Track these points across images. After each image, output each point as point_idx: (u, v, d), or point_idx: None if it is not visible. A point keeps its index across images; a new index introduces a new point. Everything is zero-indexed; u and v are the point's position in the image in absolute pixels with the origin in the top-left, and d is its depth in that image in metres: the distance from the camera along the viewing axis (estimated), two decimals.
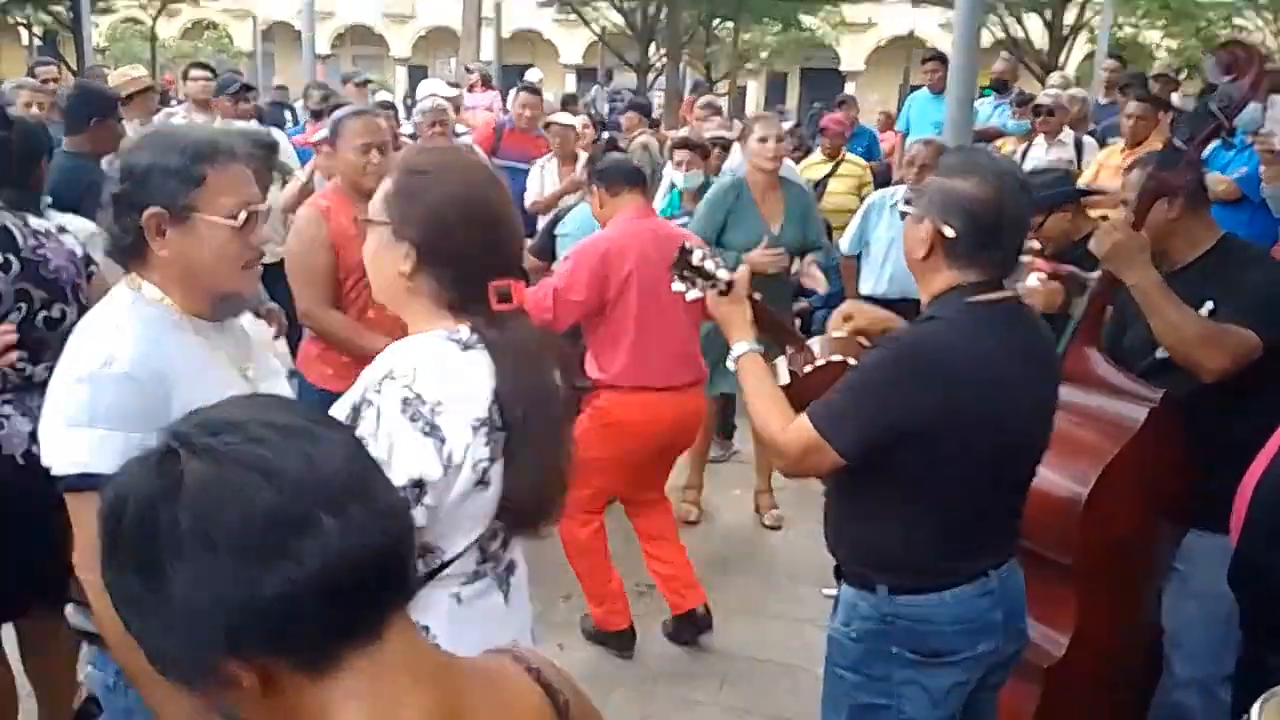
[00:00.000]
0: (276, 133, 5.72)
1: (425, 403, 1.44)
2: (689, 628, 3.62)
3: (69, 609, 1.75)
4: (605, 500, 3.63)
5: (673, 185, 5.12)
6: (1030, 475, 2.08)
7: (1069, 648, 2.43)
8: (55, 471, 1.60)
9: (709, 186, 4.91)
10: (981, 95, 8.24)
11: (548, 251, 4.62)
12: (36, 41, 24.26)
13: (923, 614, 1.96)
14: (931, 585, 1.95)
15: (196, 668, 0.79)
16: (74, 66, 16.17)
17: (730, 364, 2.13)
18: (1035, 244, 3.67)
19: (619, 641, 3.60)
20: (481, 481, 1.50)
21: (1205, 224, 2.61)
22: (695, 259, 2.14)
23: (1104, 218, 3.20)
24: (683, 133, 6.43)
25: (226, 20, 31.54)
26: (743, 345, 2.10)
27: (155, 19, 25.55)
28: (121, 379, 1.59)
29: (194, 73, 6.15)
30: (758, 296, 2.17)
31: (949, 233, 1.90)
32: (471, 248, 1.54)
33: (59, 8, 21.75)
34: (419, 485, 1.43)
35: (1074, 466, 2.41)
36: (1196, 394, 2.43)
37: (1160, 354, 2.52)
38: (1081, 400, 2.51)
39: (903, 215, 2.04)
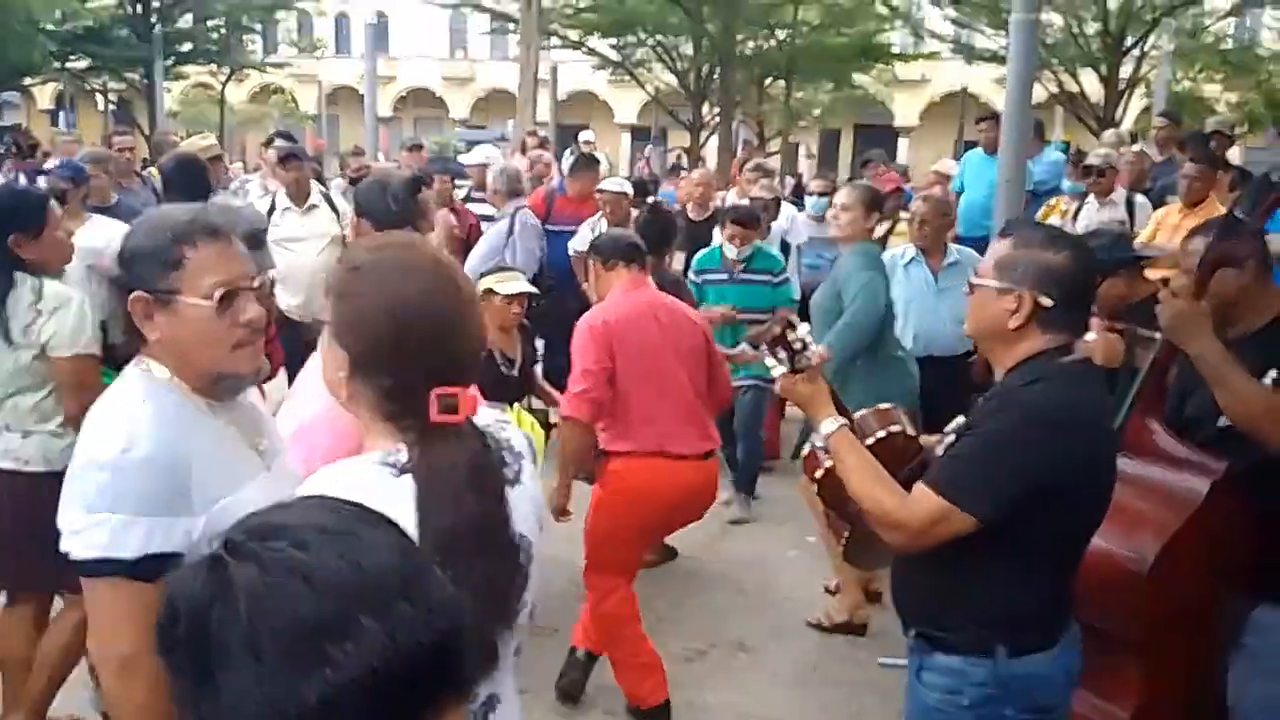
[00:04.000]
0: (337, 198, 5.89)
1: None
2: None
3: (88, 695, 1.75)
4: (624, 571, 3.47)
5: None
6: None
7: None
8: (74, 556, 1.58)
9: (757, 254, 5.19)
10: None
11: None
12: (111, 106, 25.38)
13: (1040, 671, 2.00)
14: (1049, 641, 2.02)
15: None
16: (146, 130, 16.90)
17: (819, 443, 2.16)
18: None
19: (656, 718, 3.41)
20: None
21: (1272, 291, 2.60)
22: (795, 335, 2.11)
23: (1165, 281, 3.16)
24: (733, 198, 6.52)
25: (293, 85, 32.73)
26: (831, 423, 2.09)
27: (225, 84, 26.62)
28: (143, 464, 1.57)
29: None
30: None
31: (1047, 303, 1.97)
32: (407, 357, 1.36)
33: (133, 75, 22.84)
34: None
35: (1135, 540, 2.36)
36: (1262, 464, 2.39)
37: (1223, 422, 2.48)
38: (1142, 472, 2.47)
39: (972, 288, 2.08)
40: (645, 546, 3.66)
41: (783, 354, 2.12)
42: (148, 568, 1.54)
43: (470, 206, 6.88)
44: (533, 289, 4.08)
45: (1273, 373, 2.45)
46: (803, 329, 2.15)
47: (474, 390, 1.38)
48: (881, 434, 2.35)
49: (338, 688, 0.74)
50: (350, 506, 0.86)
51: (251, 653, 0.75)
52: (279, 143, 6.30)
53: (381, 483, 1.32)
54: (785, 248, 5.93)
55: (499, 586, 1.39)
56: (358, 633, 0.75)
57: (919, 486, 1.96)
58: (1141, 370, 2.66)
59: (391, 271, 1.39)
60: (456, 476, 1.33)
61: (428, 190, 3.52)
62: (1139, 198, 6.31)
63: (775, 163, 15.62)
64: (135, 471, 1.56)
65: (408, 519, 1.28)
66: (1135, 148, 7.38)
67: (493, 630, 1.40)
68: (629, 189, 6.17)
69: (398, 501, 1.28)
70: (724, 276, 5.12)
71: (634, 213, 5.77)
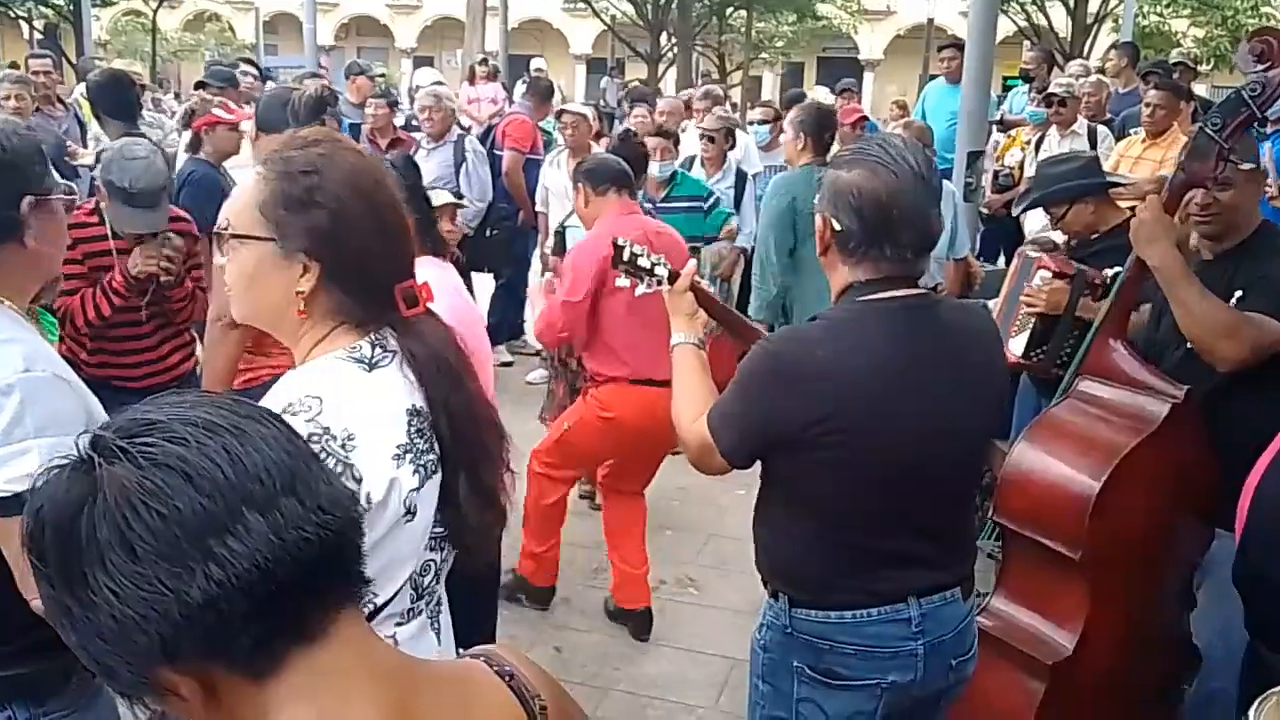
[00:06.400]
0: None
1: (335, 437, 1.25)
2: (628, 623, 3.64)
3: None
4: (576, 479, 3.85)
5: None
6: (960, 496, 1.94)
7: (1078, 645, 2.33)
8: None
9: (682, 180, 5.13)
10: (1005, 86, 8.10)
11: (561, 246, 4.84)
12: (37, 35, 24.20)
13: (820, 631, 1.86)
14: (828, 603, 1.85)
15: (134, 679, 0.76)
16: (73, 59, 16.15)
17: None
18: (1058, 236, 3.54)
19: (539, 596, 3.74)
20: (408, 513, 1.32)
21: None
22: (625, 255, 2.12)
23: (1132, 209, 3.08)
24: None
25: (229, 12, 31.46)
26: (679, 336, 2.07)
27: (156, 11, 25.39)
28: (53, 381, 1.47)
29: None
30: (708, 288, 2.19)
31: (838, 226, 1.78)
32: (380, 252, 1.35)
33: (60, 1, 21.73)
34: None
35: (1088, 460, 2.33)
36: (1223, 388, 2.38)
37: (1190, 346, 2.45)
38: (1102, 393, 2.45)
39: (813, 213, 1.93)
40: (611, 468, 3.78)
41: (636, 273, 2.12)
42: None
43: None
44: (459, 201, 3.96)
45: (1238, 294, 2.44)
46: (628, 245, 2.13)
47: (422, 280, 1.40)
48: None
49: (222, 585, 0.72)
50: (233, 401, 0.82)
51: (127, 554, 0.72)
52: (213, 69, 6.10)
53: (359, 376, 1.31)
54: (742, 177, 5.76)
55: (487, 458, 1.41)
56: (242, 529, 0.73)
57: (706, 413, 1.87)
58: (1095, 321, 2.61)
59: (351, 173, 1.33)
60: (441, 358, 1.36)
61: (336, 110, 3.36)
62: (1101, 128, 6.21)
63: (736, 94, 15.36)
64: (48, 389, 1.46)
65: (396, 405, 1.31)
66: (1093, 78, 7.23)
67: (489, 504, 1.41)
68: (589, 112, 6.04)
69: (384, 388, 1.31)
70: (647, 207, 4.94)
71: (599, 144, 5.65)
